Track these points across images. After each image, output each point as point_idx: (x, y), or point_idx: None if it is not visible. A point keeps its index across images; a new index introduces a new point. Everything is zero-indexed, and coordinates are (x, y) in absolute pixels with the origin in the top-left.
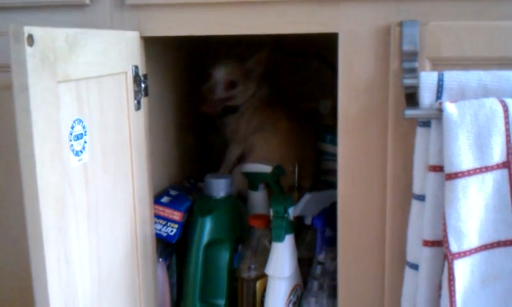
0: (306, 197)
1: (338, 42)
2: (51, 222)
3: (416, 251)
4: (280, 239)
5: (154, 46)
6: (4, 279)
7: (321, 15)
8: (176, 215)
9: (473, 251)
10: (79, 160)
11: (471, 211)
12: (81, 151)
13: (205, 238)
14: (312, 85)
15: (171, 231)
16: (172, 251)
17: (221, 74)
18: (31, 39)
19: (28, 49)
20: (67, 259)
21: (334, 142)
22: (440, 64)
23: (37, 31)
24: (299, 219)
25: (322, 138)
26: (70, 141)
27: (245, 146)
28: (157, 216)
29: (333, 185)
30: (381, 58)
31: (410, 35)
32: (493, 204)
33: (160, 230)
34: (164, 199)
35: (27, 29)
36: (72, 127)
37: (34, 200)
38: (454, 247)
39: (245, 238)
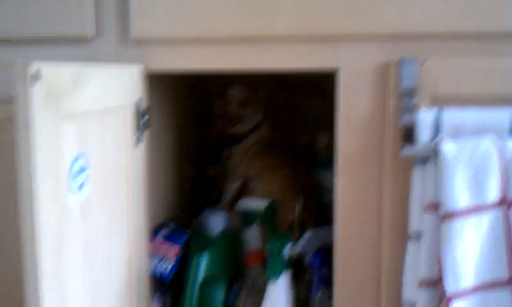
0: (308, 234)
1: (336, 78)
2: (48, 260)
3: (412, 291)
4: (275, 277)
5: (156, 79)
6: None
7: (321, 53)
8: (172, 251)
9: (469, 291)
10: (79, 195)
11: (467, 251)
12: (81, 187)
13: (201, 275)
14: (307, 119)
15: (167, 267)
16: (167, 287)
17: (236, 92)
18: (37, 76)
19: (34, 85)
20: (62, 298)
21: None
22: (438, 101)
23: (43, 68)
24: (300, 258)
25: (325, 171)
26: (71, 176)
27: (244, 186)
28: (153, 251)
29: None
30: (379, 95)
31: (408, 73)
32: (488, 245)
33: (156, 266)
34: (161, 234)
35: (34, 66)
36: (74, 162)
37: (33, 238)
38: (450, 288)
39: (241, 275)
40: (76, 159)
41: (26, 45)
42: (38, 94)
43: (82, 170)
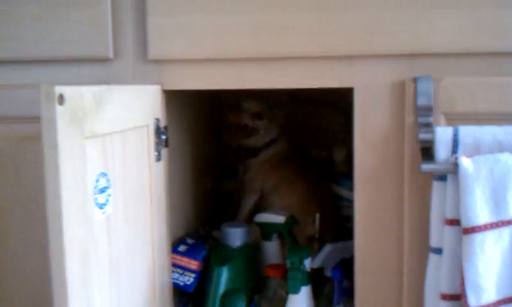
0: (327, 248)
1: (353, 95)
2: (75, 275)
3: (434, 305)
4: (296, 291)
5: (174, 98)
6: None
7: (337, 71)
8: (193, 264)
9: (491, 305)
10: (103, 213)
11: (489, 265)
12: (105, 204)
13: (222, 288)
14: (325, 132)
15: (188, 280)
16: (188, 300)
17: (250, 105)
18: (61, 99)
19: (58, 108)
20: None
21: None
22: (454, 118)
23: (67, 91)
24: (320, 270)
25: (342, 184)
26: (95, 194)
27: (261, 200)
28: (174, 265)
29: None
30: (396, 112)
31: (424, 90)
32: (510, 259)
33: (177, 279)
34: (181, 248)
35: (58, 89)
36: (97, 181)
37: (60, 254)
38: (472, 302)
39: (261, 287)
40: (100, 177)
41: (47, 65)
42: (62, 116)
43: (105, 187)
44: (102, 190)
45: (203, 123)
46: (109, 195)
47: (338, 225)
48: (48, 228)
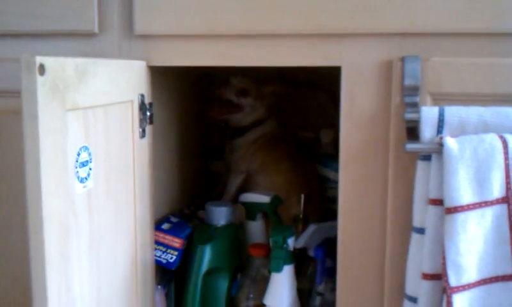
0: (311, 228)
1: (340, 75)
2: (54, 248)
3: (415, 284)
4: (278, 270)
5: (160, 74)
6: (3, 304)
7: (325, 49)
8: (176, 242)
9: (472, 285)
10: (84, 187)
11: (470, 245)
12: (86, 178)
13: (205, 266)
14: (311, 114)
15: (171, 258)
16: (171, 278)
17: (237, 80)
18: (42, 69)
19: (39, 78)
20: (68, 286)
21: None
22: (440, 99)
23: (48, 61)
24: (303, 250)
25: (329, 166)
26: (76, 167)
27: (247, 180)
28: (157, 242)
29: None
30: (382, 92)
31: (412, 70)
32: (492, 239)
33: (160, 257)
34: (165, 226)
35: (39, 59)
36: (78, 154)
37: (39, 227)
38: (453, 281)
39: (244, 266)
40: (81, 150)
41: (32, 39)
42: (42, 86)
43: (87, 161)
44: (84, 164)
45: (190, 101)
46: (90, 169)
47: (324, 206)
48: (28, 199)
